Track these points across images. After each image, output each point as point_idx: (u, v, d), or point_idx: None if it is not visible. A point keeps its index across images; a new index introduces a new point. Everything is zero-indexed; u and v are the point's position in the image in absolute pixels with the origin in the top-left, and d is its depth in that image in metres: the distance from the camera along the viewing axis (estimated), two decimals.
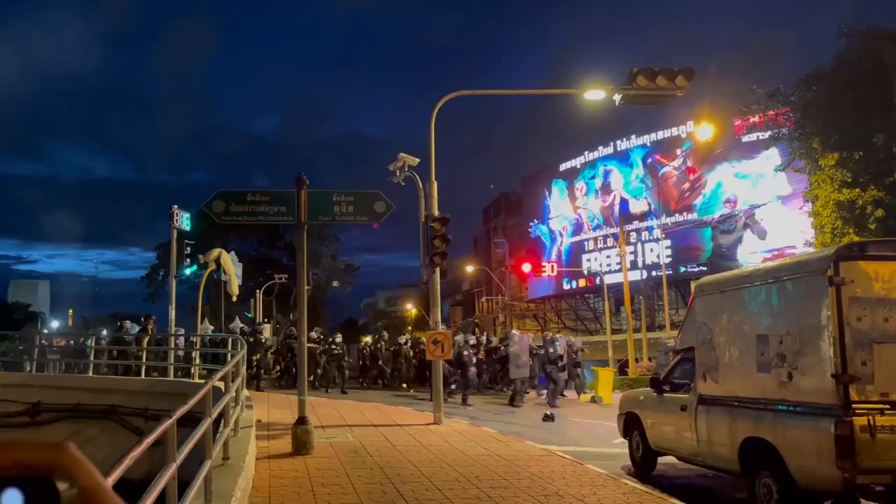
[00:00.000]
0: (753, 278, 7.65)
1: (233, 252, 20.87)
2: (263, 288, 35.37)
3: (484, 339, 23.77)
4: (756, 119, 27.12)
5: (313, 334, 22.06)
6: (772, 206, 33.29)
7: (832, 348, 6.12)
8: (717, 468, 7.96)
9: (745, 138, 32.38)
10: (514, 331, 21.65)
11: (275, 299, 38.18)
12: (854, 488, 6.02)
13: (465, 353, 19.29)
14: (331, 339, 22.24)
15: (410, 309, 60.58)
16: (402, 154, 13.61)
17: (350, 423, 12.68)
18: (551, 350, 18.88)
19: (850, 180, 19.69)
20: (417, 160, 13.70)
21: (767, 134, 25.37)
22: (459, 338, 20.40)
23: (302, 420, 9.69)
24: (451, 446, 10.21)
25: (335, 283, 47.06)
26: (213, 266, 19.27)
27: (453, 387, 19.22)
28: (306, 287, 10.71)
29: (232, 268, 19.50)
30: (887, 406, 6.04)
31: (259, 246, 46.13)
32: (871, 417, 5.92)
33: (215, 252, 19.19)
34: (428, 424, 12.61)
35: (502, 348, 18.94)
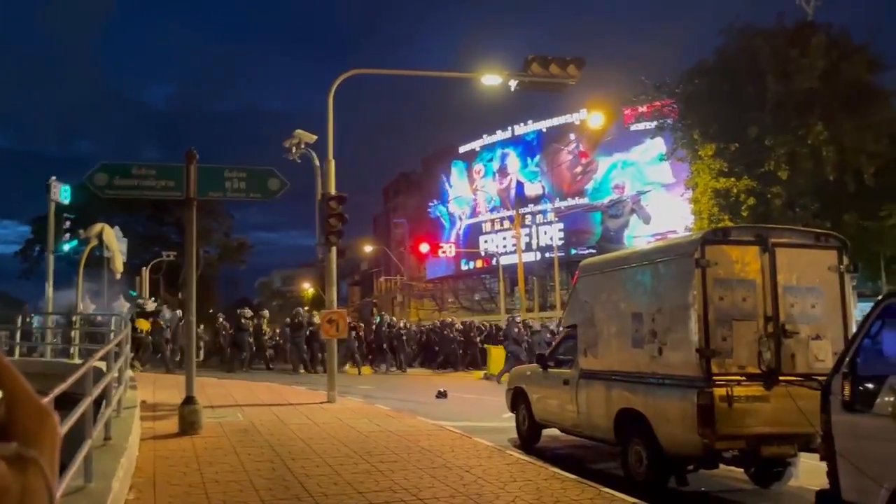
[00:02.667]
0: (631, 260, 8.15)
1: (117, 227, 19.85)
2: (150, 265, 33.95)
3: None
4: (644, 109, 28.43)
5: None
6: (657, 193, 35.06)
7: (697, 325, 6.64)
8: (596, 438, 8.46)
9: (634, 127, 33.86)
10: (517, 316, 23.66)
11: (162, 277, 36.72)
12: (713, 453, 6.58)
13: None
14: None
15: (307, 289, 59.79)
16: (298, 130, 13.39)
17: (241, 403, 12.50)
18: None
19: (726, 170, 21.07)
20: (314, 137, 13.51)
21: (654, 124, 26.71)
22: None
23: (190, 400, 9.47)
24: (344, 423, 10.29)
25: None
26: (94, 242, 18.30)
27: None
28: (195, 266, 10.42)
29: (115, 244, 18.59)
30: (744, 378, 6.61)
31: (146, 221, 44.07)
32: (729, 388, 6.46)
33: (97, 227, 18.23)
34: (321, 403, 12.62)
35: (504, 327, 21.62)
